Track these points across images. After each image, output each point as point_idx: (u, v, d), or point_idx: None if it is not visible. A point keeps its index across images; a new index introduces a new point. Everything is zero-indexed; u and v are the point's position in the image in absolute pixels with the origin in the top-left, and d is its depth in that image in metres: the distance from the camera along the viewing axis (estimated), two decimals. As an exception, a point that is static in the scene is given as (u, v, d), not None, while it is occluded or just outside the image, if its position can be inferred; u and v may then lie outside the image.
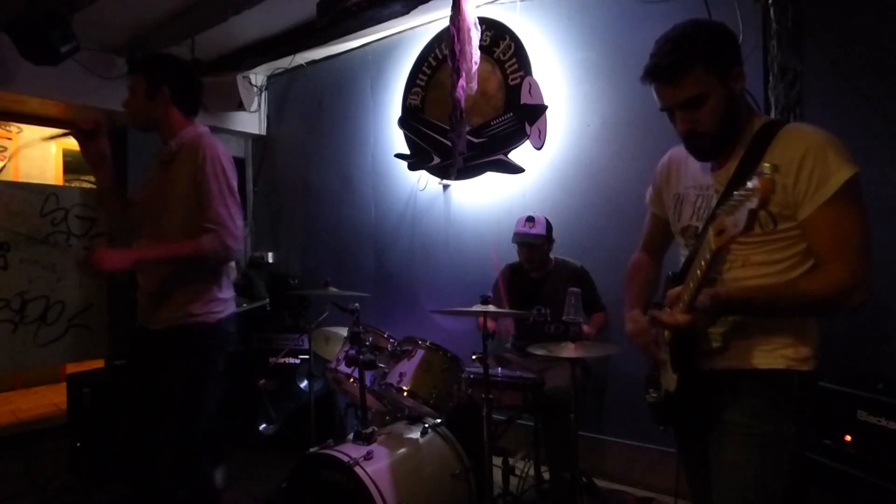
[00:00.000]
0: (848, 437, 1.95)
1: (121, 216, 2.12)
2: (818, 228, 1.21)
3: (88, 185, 4.68)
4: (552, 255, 2.95)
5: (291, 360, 3.66)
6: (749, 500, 1.29)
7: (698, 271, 1.17)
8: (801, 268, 1.27)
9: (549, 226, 2.90)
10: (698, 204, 1.40)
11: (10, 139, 5.36)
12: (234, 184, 1.99)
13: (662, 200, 1.56)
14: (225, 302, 2.07)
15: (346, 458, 2.16)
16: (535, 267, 2.88)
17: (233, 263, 3.28)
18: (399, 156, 3.92)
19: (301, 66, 4.52)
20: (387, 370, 2.54)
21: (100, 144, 2.01)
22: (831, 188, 1.18)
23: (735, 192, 1.04)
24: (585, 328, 2.65)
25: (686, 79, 1.24)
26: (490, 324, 2.84)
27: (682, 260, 1.45)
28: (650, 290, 1.60)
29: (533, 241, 2.84)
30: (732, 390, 1.32)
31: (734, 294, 1.24)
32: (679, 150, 1.51)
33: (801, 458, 1.34)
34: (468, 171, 3.50)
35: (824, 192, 1.18)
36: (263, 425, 3.67)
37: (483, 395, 2.24)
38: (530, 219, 2.88)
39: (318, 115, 4.57)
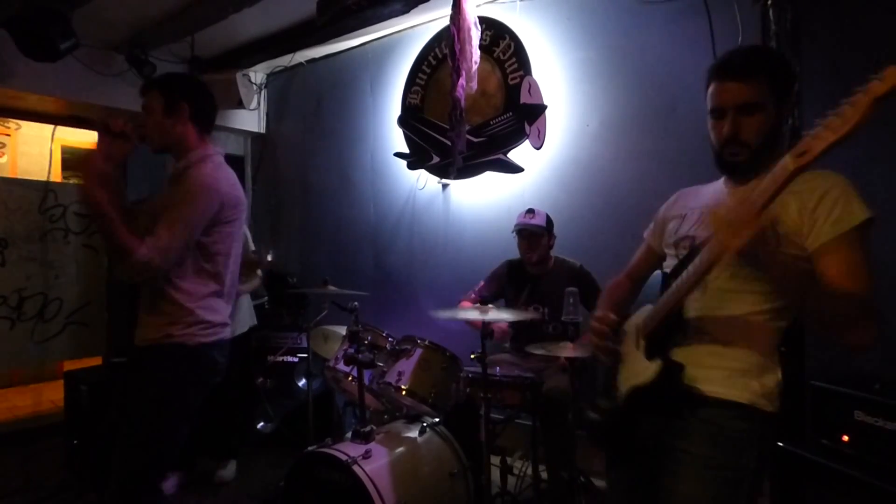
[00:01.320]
0: (845, 438, 1.95)
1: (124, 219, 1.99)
2: (836, 255, 1.20)
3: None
4: (552, 254, 2.95)
5: (290, 359, 3.66)
6: None
7: (760, 201, 1.07)
8: (786, 300, 1.27)
9: (549, 220, 2.89)
10: (702, 220, 1.40)
11: (8, 135, 5.35)
12: (200, 218, 1.80)
13: (661, 231, 1.56)
14: (212, 326, 1.89)
15: (344, 457, 2.16)
16: (535, 261, 2.88)
17: (259, 271, 3.28)
18: (398, 155, 3.92)
19: (301, 64, 4.52)
20: (385, 369, 2.54)
21: (121, 148, 1.89)
22: (856, 218, 1.19)
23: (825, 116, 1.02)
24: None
25: (753, 81, 1.27)
26: (477, 324, 2.85)
27: (668, 271, 1.45)
28: (625, 308, 1.59)
29: (533, 230, 2.84)
30: (692, 416, 1.30)
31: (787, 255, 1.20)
32: (690, 188, 1.56)
33: (755, 494, 1.30)
34: (467, 170, 3.50)
35: (849, 221, 1.19)
36: (261, 424, 3.67)
37: (481, 395, 2.25)
38: (530, 210, 2.89)
39: (318, 113, 4.57)
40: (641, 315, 1.41)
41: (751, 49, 1.33)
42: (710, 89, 1.34)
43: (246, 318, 3.33)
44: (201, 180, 1.84)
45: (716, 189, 1.45)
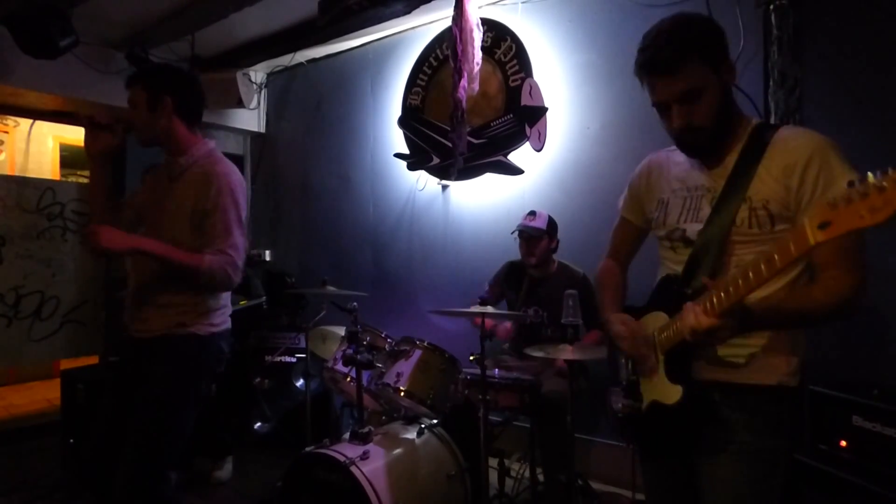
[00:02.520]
0: (843, 443, 1.95)
1: (108, 216, 1.99)
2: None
3: (85, 181, 4.66)
4: (556, 258, 2.95)
5: (288, 359, 3.66)
6: None
7: (764, 271, 1.02)
8: (786, 277, 1.24)
9: (551, 223, 2.88)
10: (687, 205, 1.36)
11: (7, 132, 5.34)
12: (244, 214, 1.91)
13: (639, 207, 1.52)
14: (222, 314, 1.96)
15: (342, 458, 2.16)
16: (535, 264, 2.88)
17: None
18: (398, 155, 3.91)
19: (301, 64, 4.51)
20: (384, 370, 2.53)
21: (107, 141, 1.93)
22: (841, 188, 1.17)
23: (857, 181, 0.88)
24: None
25: (684, 70, 1.22)
26: (488, 323, 2.84)
27: (668, 264, 1.42)
28: (622, 297, 1.58)
29: (531, 233, 2.83)
30: (725, 405, 1.29)
31: (758, 312, 1.16)
32: (659, 155, 1.50)
33: (790, 471, 1.34)
34: (468, 171, 3.50)
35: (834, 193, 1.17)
36: (259, 424, 3.66)
37: (480, 396, 2.24)
38: (532, 213, 2.89)
39: (318, 113, 4.56)
40: (655, 321, 1.35)
41: (670, 33, 1.24)
42: (646, 83, 1.30)
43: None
44: (228, 181, 1.88)
45: (689, 161, 1.38)
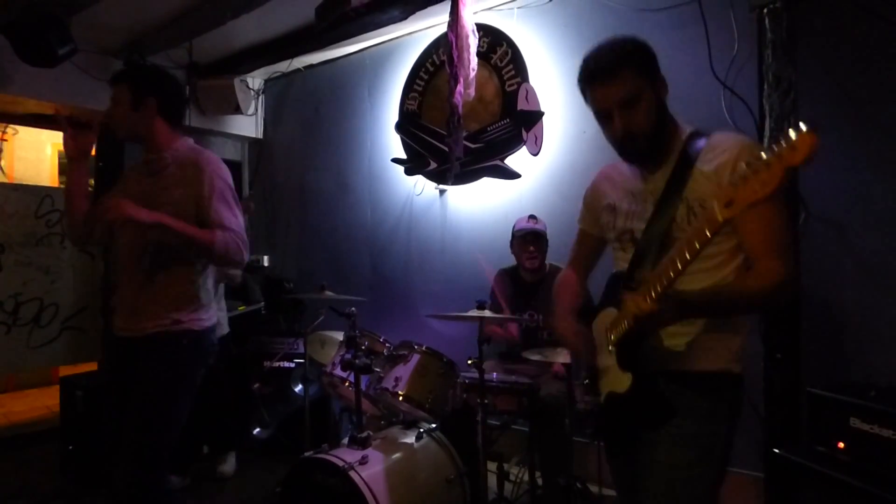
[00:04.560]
0: (841, 445, 1.95)
1: (84, 217, 2.02)
2: (751, 225, 1.26)
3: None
4: (547, 261, 2.96)
5: (286, 364, 3.66)
6: (678, 498, 1.33)
7: (686, 254, 1.12)
8: (733, 262, 1.33)
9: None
10: (633, 209, 1.46)
11: (6, 140, 5.35)
12: (235, 196, 2.01)
13: (594, 217, 1.63)
14: (211, 310, 2.05)
15: (340, 463, 2.16)
16: (537, 266, 2.89)
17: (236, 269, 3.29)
18: (396, 160, 3.93)
19: (298, 70, 4.53)
20: (382, 374, 2.54)
21: (88, 140, 1.97)
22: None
23: (751, 160, 0.98)
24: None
25: (623, 76, 1.32)
26: (497, 330, 2.85)
27: (620, 264, 1.50)
28: (580, 301, 1.66)
29: (540, 232, 2.86)
30: (669, 392, 1.34)
31: (694, 298, 1.24)
32: (607, 168, 1.64)
33: (727, 458, 1.37)
34: (465, 176, 3.51)
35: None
36: (257, 429, 3.66)
37: (478, 400, 2.24)
38: (532, 216, 2.91)
39: (315, 119, 4.58)
40: (608, 317, 1.43)
41: (608, 48, 1.36)
42: (589, 95, 1.40)
43: (224, 322, 3.36)
44: (217, 168, 1.96)
45: (634, 168, 1.49)
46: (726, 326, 1.35)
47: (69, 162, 2.02)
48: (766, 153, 0.95)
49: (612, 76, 1.33)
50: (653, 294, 1.17)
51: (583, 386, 1.52)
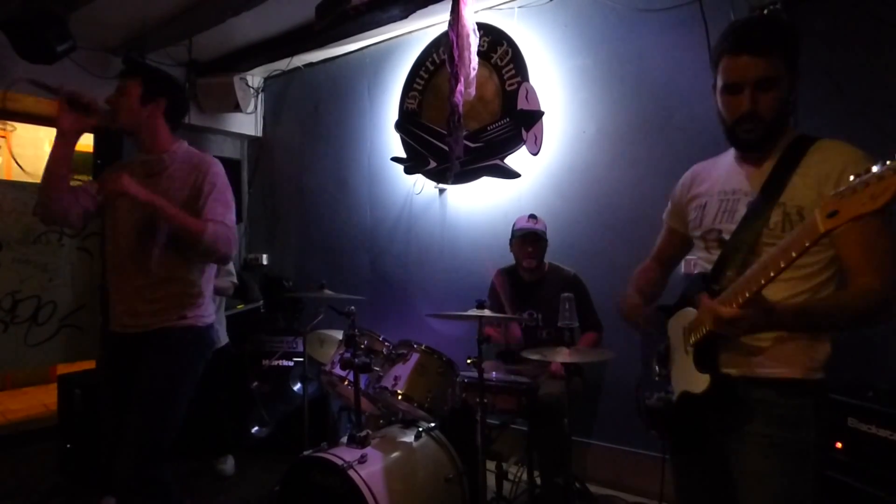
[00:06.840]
0: (839, 445, 1.96)
1: (60, 200, 1.94)
2: (852, 239, 1.22)
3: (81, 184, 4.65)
4: (546, 261, 2.96)
5: (285, 363, 3.66)
6: None
7: (781, 262, 1.07)
8: (825, 274, 1.29)
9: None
10: (722, 208, 1.42)
11: (4, 137, 5.33)
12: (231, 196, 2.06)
13: (681, 214, 1.59)
14: (211, 307, 2.11)
15: (339, 462, 2.16)
16: (535, 266, 2.89)
17: (232, 269, 3.30)
18: (395, 159, 3.93)
19: (298, 68, 4.52)
20: (381, 373, 2.53)
21: (84, 122, 1.92)
22: None
23: (861, 172, 0.94)
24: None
25: (772, 56, 1.27)
26: (493, 332, 2.84)
27: (702, 263, 1.48)
28: (655, 290, 1.65)
29: (539, 232, 2.85)
30: (750, 398, 1.32)
31: (784, 310, 1.19)
32: (702, 164, 1.57)
33: (823, 466, 1.34)
34: (464, 175, 3.51)
35: None
36: (256, 428, 3.66)
37: (477, 400, 2.24)
38: (532, 216, 2.90)
39: (315, 117, 4.57)
40: (686, 316, 1.41)
41: (766, 21, 1.32)
42: (724, 63, 1.33)
43: (223, 332, 3.38)
44: (218, 169, 2.02)
45: (728, 167, 1.45)
46: (811, 333, 1.32)
47: (58, 136, 1.90)
48: (878, 166, 0.91)
49: (762, 51, 1.27)
50: (739, 300, 1.14)
51: (653, 383, 1.50)
